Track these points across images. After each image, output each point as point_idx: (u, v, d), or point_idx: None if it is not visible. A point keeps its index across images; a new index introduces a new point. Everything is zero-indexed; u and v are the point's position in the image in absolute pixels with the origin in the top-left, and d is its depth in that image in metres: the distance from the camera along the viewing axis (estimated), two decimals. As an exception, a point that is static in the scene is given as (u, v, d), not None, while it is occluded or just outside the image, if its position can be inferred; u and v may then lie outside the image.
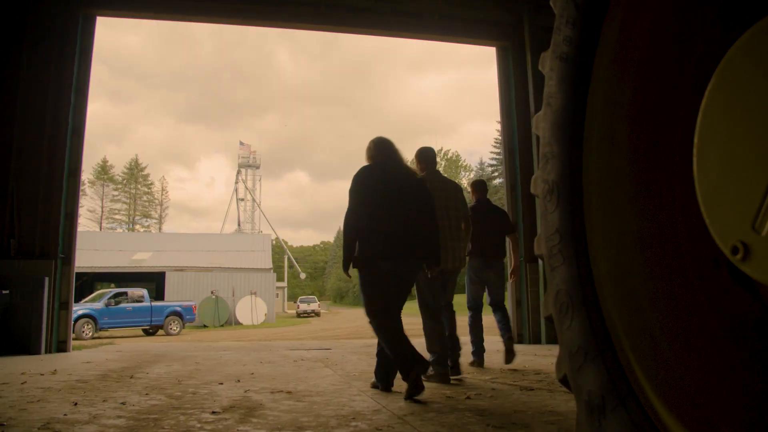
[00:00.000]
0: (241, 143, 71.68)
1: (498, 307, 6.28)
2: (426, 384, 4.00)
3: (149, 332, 23.86)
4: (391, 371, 4.31)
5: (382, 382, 4.31)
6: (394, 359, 4.08)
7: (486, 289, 6.23)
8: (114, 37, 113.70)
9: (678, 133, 1.18)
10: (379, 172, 4.36)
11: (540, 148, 1.48)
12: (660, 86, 1.22)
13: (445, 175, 5.35)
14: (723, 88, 1.00)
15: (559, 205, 1.38)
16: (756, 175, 0.91)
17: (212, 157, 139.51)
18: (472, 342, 6.00)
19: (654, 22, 1.20)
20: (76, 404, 3.62)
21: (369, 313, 4.23)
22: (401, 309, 4.36)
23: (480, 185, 6.72)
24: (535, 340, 9.85)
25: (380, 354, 4.38)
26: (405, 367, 3.89)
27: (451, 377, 4.84)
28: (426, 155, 5.31)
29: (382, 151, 4.50)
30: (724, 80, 1.00)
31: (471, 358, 5.94)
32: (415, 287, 4.81)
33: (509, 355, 5.81)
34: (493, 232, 6.28)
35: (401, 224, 4.23)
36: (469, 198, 6.60)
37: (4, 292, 7.89)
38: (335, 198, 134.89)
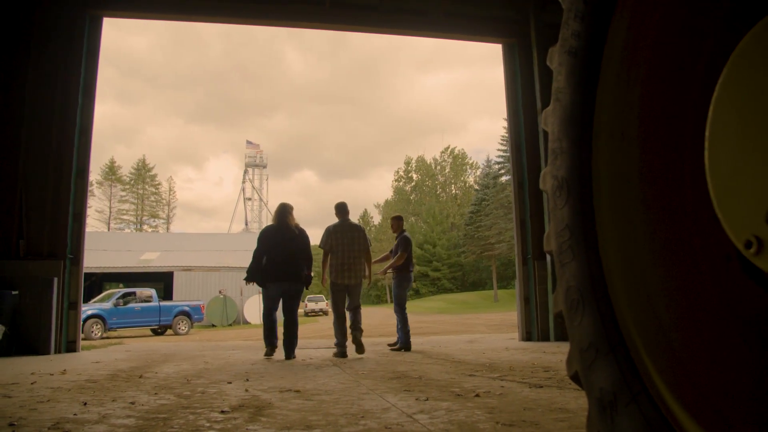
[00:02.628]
0: (249, 143, 71.84)
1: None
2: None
3: (158, 332, 23.94)
4: (274, 340, 7.61)
5: (269, 346, 7.54)
6: (264, 337, 7.62)
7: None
8: (122, 39, 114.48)
9: (689, 127, 1.17)
10: (274, 230, 7.65)
11: (549, 144, 1.46)
12: (670, 80, 1.20)
13: (354, 222, 8.05)
14: (735, 79, 0.98)
15: (568, 200, 1.37)
16: (770, 167, 0.90)
17: (220, 157, 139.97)
18: (406, 332, 8.37)
19: (664, 15, 1.19)
20: (85, 404, 3.63)
21: (264, 310, 7.71)
22: (295, 310, 7.64)
23: (399, 219, 9.17)
24: (544, 337, 9.84)
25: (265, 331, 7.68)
26: (267, 342, 7.56)
27: (358, 355, 7.44)
28: (339, 208, 7.91)
29: (278, 216, 7.73)
30: (737, 72, 0.98)
31: (397, 344, 8.51)
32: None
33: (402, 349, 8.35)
34: (410, 255, 8.84)
35: (284, 262, 7.41)
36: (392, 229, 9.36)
37: (13, 292, 7.94)
38: (343, 197, 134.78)
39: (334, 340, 7.78)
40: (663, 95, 1.22)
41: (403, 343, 8.37)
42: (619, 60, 1.27)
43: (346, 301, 7.72)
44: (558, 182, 1.40)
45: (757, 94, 0.94)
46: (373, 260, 8.24)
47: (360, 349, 7.47)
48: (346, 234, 7.66)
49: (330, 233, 7.70)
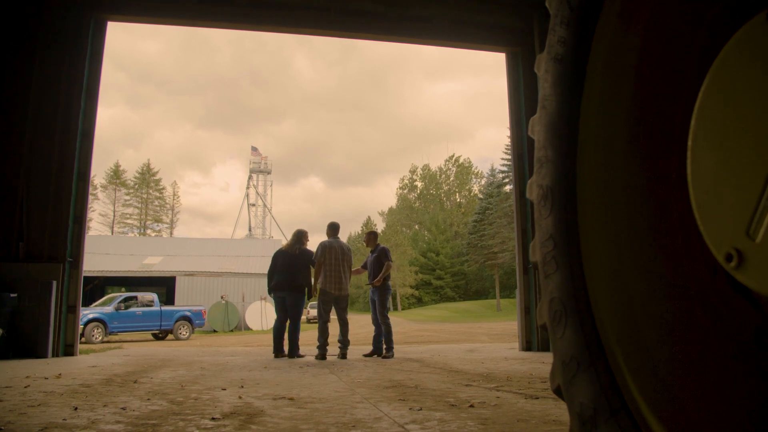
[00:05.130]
0: (253, 148, 71.96)
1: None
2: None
3: (159, 337, 23.91)
4: (281, 345, 8.98)
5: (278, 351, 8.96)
6: (276, 340, 9.03)
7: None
8: (133, 44, 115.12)
9: (675, 137, 1.14)
10: (282, 253, 9.27)
11: (535, 152, 1.44)
12: (656, 88, 1.18)
13: (342, 240, 9.22)
14: (716, 89, 0.96)
15: (553, 210, 1.34)
16: (750, 179, 0.87)
17: (227, 162, 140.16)
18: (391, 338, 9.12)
19: (650, 22, 1.17)
20: (76, 409, 3.60)
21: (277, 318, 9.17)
22: (296, 318, 9.02)
23: (375, 235, 9.92)
24: (544, 347, 9.76)
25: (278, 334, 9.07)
26: (276, 347, 8.97)
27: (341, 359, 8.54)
28: (332, 228, 9.19)
29: (294, 238, 9.38)
30: (717, 81, 0.96)
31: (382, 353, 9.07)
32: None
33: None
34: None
35: (289, 274, 8.96)
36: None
37: (12, 295, 7.92)
38: (349, 204, 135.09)
39: (338, 349, 8.75)
40: (649, 104, 1.19)
41: (389, 348, 9.00)
42: (605, 67, 1.25)
43: (331, 310, 8.91)
44: (543, 191, 1.38)
45: (740, 103, 0.91)
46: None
47: (343, 358, 8.64)
48: (336, 251, 8.87)
49: (324, 249, 8.86)
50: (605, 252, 1.24)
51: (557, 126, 1.34)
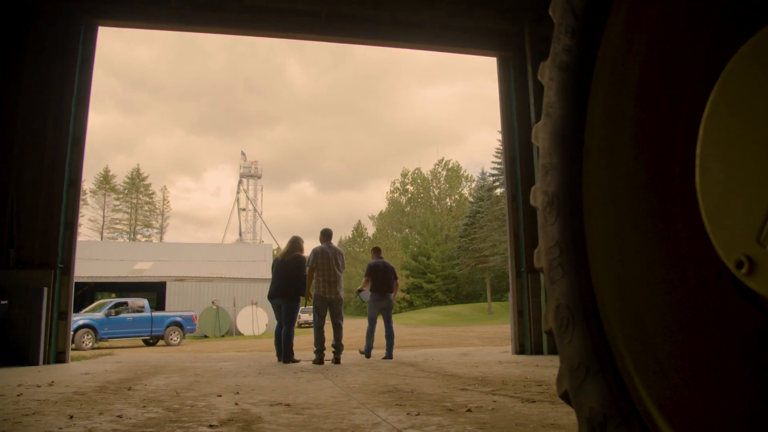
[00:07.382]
0: (243, 154, 71.94)
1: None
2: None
3: (150, 343, 23.77)
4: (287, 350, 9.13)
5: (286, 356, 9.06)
6: (276, 345, 9.46)
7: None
8: (126, 50, 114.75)
9: (680, 144, 1.15)
10: (278, 262, 9.61)
11: (540, 159, 1.45)
12: (662, 95, 1.19)
13: (336, 246, 9.42)
14: (726, 96, 0.97)
15: (558, 217, 1.35)
16: (761, 186, 0.88)
17: (219, 167, 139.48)
18: (371, 343, 9.93)
19: (655, 31, 1.18)
20: (71, 417, 3.58)
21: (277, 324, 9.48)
22: (290, 323, 9.19)
23: (375, 250, 10.66)
24: (537, 350, 9.80)
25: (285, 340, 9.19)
26: (278, 352, 9.31)
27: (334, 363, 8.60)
28: (325, 234, 9.38)
29: (288, 246, 9.70)
30: (728, 88, 0.97)
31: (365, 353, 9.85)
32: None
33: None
34: (385, 278, 10.02)
35: (282, 281, 9.28)
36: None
37: (2, 302, 7.87)
38: (340, 208, 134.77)
39: (330, 353, 8.87)
40: (654, 111, 1.20)
41: (367, 351, 9.86)
42: (610, 75, 1.26)
43: (327, 314, 9.09)
44: (548, 198, 1.39)
45: (750, 110, 0.92)
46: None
47: (336, 363, 8.76)
48: (329, 256, 9.03)
49: (317, 254, 9.05)
50: (612, 258, 1.25)
51: (562, 133, 1.35)
